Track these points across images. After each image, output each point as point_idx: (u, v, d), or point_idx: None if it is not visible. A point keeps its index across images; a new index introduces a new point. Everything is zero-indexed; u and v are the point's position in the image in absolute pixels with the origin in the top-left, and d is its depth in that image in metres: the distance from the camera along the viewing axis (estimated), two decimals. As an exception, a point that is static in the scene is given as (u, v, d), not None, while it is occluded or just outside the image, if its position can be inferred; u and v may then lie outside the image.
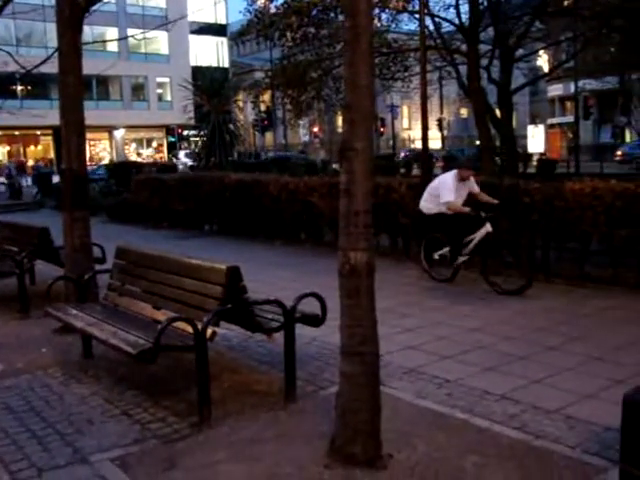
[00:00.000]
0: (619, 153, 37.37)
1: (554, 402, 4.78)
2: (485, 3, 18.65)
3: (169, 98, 57.10)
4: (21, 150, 53.40)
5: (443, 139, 54.87)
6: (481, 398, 4.94)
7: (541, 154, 38.93)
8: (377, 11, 19.10)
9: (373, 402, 3.94)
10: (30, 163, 48.40)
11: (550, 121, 51.30)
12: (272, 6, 20.45)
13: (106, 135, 56.83)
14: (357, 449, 3.89)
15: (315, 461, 3.96)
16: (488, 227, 8.55)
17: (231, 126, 24.68)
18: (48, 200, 25.28)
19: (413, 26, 22.38)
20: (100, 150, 56.49)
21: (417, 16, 18.85)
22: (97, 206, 18.78)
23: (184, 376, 5.44)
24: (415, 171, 29.75)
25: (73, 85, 7.17)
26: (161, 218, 17.12)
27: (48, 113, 30.10)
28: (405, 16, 21.14)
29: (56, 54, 7.36)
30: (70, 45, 7.12)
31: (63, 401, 5.15)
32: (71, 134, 7.23)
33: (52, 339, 6.83)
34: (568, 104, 48.59)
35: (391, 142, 54.02)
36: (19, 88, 45.55)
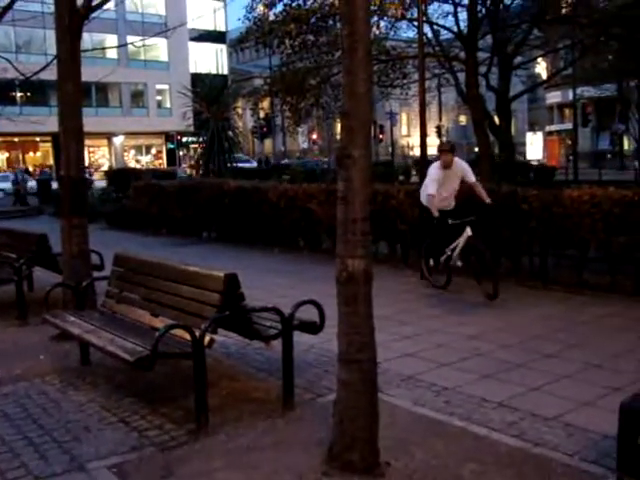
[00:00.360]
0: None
1: (552, 409, 4.78)
2: (483, 11, 18.73)
3: (168, 105, 57.18)
4: (20, 157, 53.42)
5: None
6: (479, 406, 4.93)
7: (538, 162, 38.80)
8: (376, 19, 19.19)
9: (371, 409, 3.93)
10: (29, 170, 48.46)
11: (548, 128, 51.41)
12: (271, 14, 20.52)
13: (105, 142, 56.88)
14: (355, 456, 3.88)
15: (313, 469, 3.96)
16: (468, 232, 8.26)
17: (230, 133, 24.67)
18: (47, 206, 25.29)
19: (412, 33, 22.50)
20: (99, 157, 56.52)
21: (416, 24, 18.95)
22: (96, 213, 18.78)
23: (182, 383, 5.43)
24: (414, 178, 29.77)
25: (72, 92, 7.19)
26: (160, 225, 17.13)
27: (47, 120, 30.08)
28: (404, 23, 21.27)
29: (55, 61, 7.37)
30: (69, 52, 7.13)
31: (60, 408, 5.13)
32: (70, 141, 7.24)
33: (50, 346, 6.81)
34: (566, 111, 48.74)
35: (390, 149, 54.07)
36: (18, 95, 45.66)
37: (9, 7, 11.08)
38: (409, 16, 20.08)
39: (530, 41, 20.85)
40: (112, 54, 48.46)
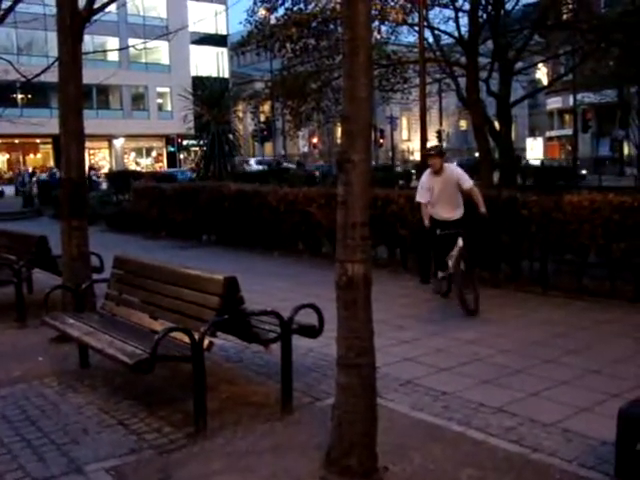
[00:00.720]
0: None
1: (551, 415, 4.77)
2: (484, 16, 18.74)
3: (169, 108, 57.21)
4: (20, 158, 53.44)
5: (442, 151, 54.88)
6: (477, 411, 4.93)
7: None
8: (377, 23, 19.22)
9: (369, 414, 3.93)
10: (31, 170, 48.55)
11: (549, 134, 51.52)
12: (272, 17, 20.54)
13: (106, 144, 56.88)
14: (353, 461, 3.88)
15: (311, 473, 3.95)
16: (459, 243, 7.79)
17: (230, 136, 24.71)
18: (47, 208, 25.31)
19: (413, 38, 22.54)
20: (99, 159, 56.52)
21: (417, 29, 19.03)
22: (96, 215, 18.79)
23: (180, 386, 5.43)
24: (414, 183, 29.80)
25: (73, 94, 7.20)
26: (160, 228, 17.13)
27: (48, 122, 30.12)
28: (405, 28, 21.33)
29: (57, 63, 7.39)
30: (71, 54, 7.15)
31: (59, 411, 5.13)
32: (71, 143, 7.25)
33: (49, 348, 6.81)
34: (567, 117, 48.82)
35: (390, 153, 54.14)
36: (19, 97, 45.63)
37: (11, 9, 11.11)
38: (410, 21, 20.13)
39: (531, 47, 20.86)
40: (113, 57, 48.41)
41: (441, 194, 7.92)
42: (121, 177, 27.68)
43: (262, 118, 38.53)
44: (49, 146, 52.40)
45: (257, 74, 53.99)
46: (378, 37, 20.09)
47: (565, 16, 20.25)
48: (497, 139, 19.52)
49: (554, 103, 50.16)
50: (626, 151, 43.84)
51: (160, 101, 59.30)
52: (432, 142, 28.61)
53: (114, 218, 19.47)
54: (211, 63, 60.98)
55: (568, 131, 44.12)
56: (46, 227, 15.78)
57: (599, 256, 8.79)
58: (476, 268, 8.00)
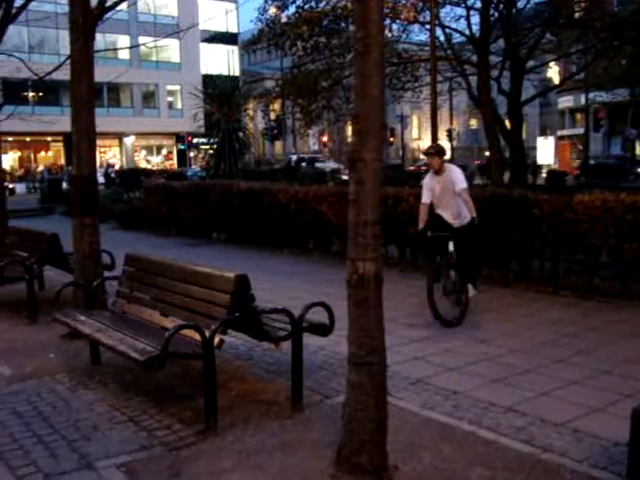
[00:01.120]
0: None
1: (562, 415, 4.76)
2: (496, 15, 18.68)
3: (180, 106, 57.36)
4: (32, 156, 53.73)
5: (453, 150, 54.82)
6: (488, 410, 4.91)
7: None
8: (388, 21, 19.20)
9: (379, 412, 3.93)
10: (40, 168, 48.89)
11: (560, 133, 51.20)
12: (283, 15, 20.55)
13: (116, 142, 57.13)
14: (363, 459, 3.88)
15: (321, 471, 3.96)
16: (450, 247, 7.48)
17: (241, 134, 24.71)
18: (58, 205, 25.41)
19: (424, 37, 22.54)
20: (110, 157, 56.75)
21: (428, 27, 19.01)
22: (107, 212, 18.86)
23: (191, 384, 5.45)
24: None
25: (85, 92, 7.22)
26: (170, 225, 17.17)
27: (59, 119, 30.22)
28: (416, 27, 21.27)
29: (68, 61, 7.42)
30: (82, 52, 7.17)
31: (70, 407, 5.16)
32: (82, 140, 7.28)
33: (60, 345, 6.85)
34: (578, 116, 48.52)
35: (400, 152, 54.04)
36: (31, 94, 45.84)
37: (24, 7, 11.16)
38: (421, 19, 20.09)
39: (542, 45, 20.76)
40: (124, 55, 48.63)
41: (442, 195, 7.67)
42: (132, 175, 27.76)
43: (272, 116, 38.51)
44: (60, 144, 52.64)
45: (268, 72, 54.05)
46: (389, 35, 20.06)
47: (577, 14, 20.12)
48: (508, 138, 19.45)
49: (566, 102, 49.84)
50: (638, 150, 43.57)
51: (170, 99, 59.47)
52: (443, 141, 28.53)
53: (125, 216, 19.51)
54: (222, 61, 61.08)
55: (580, 130, 43.84)
56: (57, 224, 15.86)
57: (610, 256, 8.74)
58: (467, 283, 7.60)
